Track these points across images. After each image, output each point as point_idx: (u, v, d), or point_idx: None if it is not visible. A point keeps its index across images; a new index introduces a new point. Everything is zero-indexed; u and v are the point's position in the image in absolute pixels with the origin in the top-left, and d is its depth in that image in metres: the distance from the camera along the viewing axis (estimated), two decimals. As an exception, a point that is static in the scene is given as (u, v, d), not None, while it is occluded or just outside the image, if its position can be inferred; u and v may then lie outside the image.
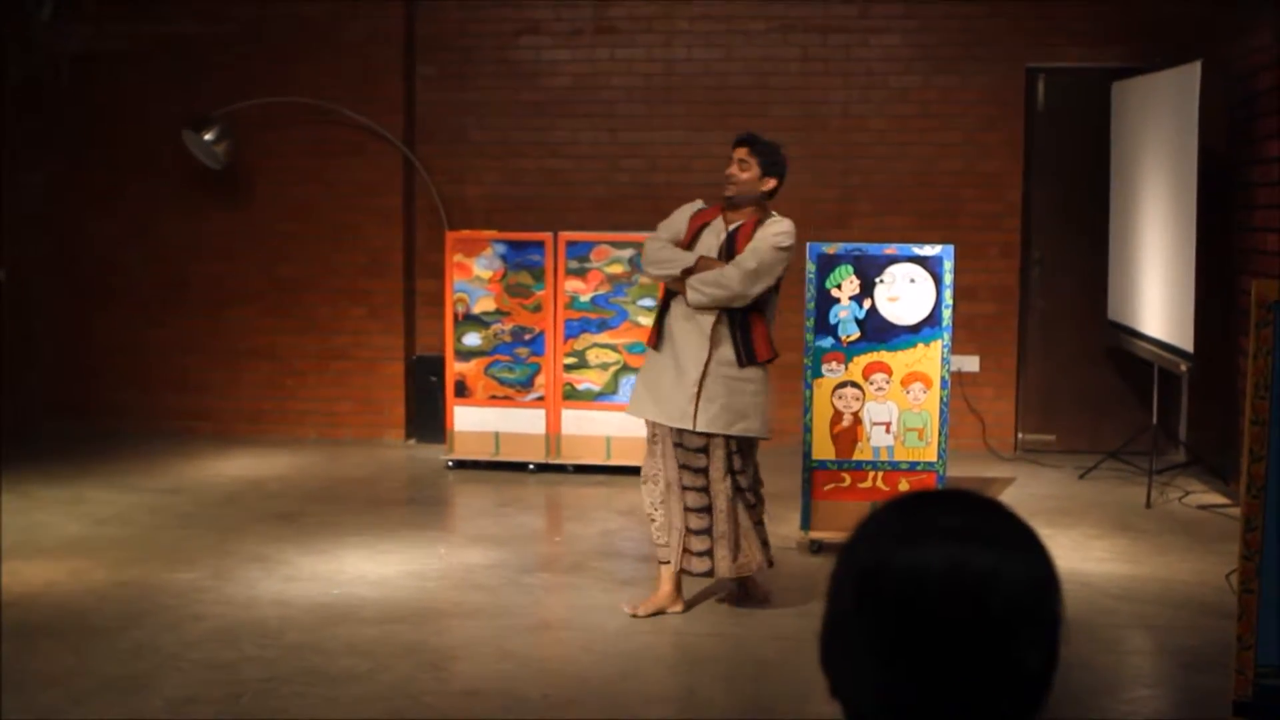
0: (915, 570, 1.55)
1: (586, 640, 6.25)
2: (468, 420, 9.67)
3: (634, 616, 6.45)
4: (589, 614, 6.59)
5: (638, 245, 9.47)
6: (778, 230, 6.42)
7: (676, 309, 6.47)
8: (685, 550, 6.42)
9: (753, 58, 10.49)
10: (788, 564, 7.43)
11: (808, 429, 7.61)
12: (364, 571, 7.24)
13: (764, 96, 10.46)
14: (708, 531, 6.41)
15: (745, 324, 6.41)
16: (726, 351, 6.37)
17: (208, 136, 10.18)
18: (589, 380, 9.49)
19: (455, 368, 9.71)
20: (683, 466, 6.40)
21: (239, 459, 10.05)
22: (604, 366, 9.49)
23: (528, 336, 9.59)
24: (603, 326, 9.47)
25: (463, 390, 9.70)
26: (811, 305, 7.55)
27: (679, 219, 6.64)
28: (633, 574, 7.27)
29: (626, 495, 8.81)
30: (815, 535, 7.62)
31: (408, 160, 10.61)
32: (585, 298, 9.43)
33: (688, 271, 6.37)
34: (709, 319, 6.37)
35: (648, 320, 9.39)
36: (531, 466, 9.59)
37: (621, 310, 9.47)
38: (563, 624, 6.54)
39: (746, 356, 6.39)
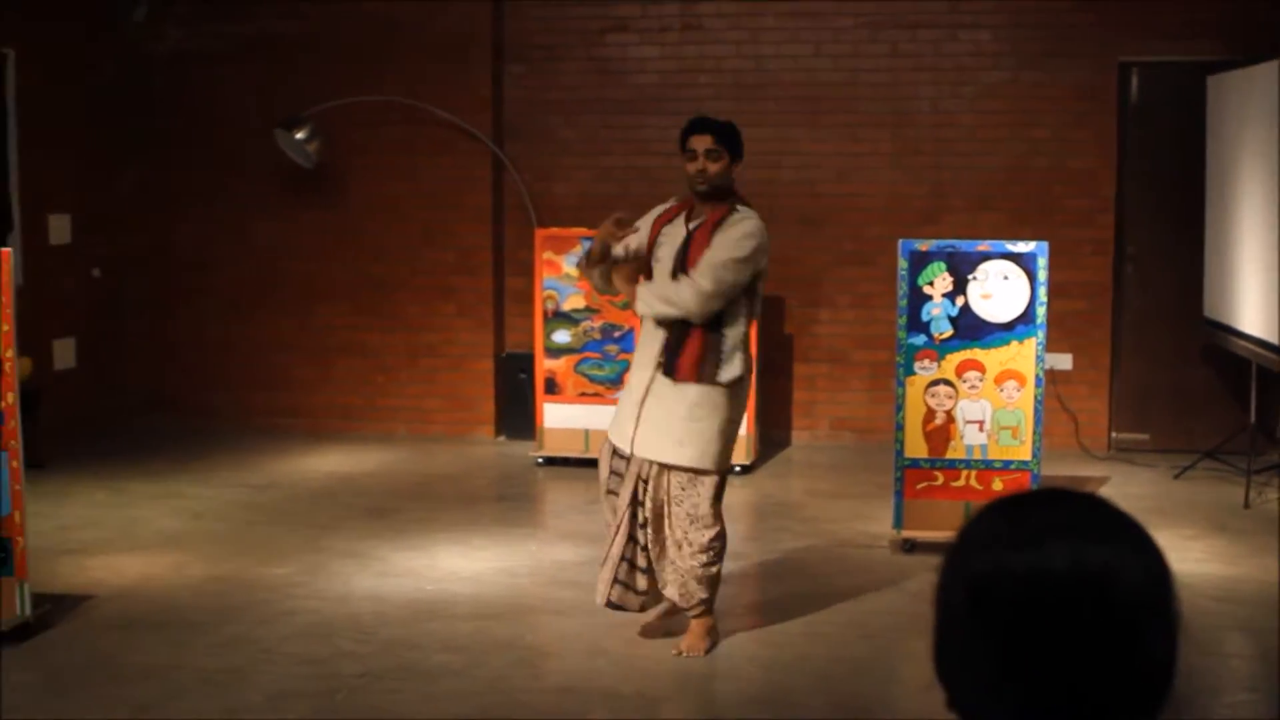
0: (1036, 572, 1.53)
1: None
2: (557, 417, 9.69)
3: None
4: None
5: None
6: (737, 236, 5.79)
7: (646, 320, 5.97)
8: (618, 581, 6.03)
9: (841, 54, 10.43)
10: (879, 563, 7.40)
11: (900, 427, 7.55)
12: (456, 568, 7.27)
13: (852, 93, 10.40)
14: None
15: (682, 335, 5.81)
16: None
17: (299, 135, 10.25)
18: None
19: (545, 365, 9.73)
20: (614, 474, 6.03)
21: (330, 455, 10.12)
22: (693, 364, 9.45)
23: (617, 334, 9.60)
24: (692, 324, 9.44)
25: (552, 387, 9.72)
26: (904, 303, 7.49)
27: (642, 224, 6.05)
28: (724, 571, 7.24)
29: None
30: (908, 534, 7.56)
31: (497, 158, 10.65)
32: (674, 295, 9.40)
33: (589, 259, 5.91)
34: (661, 331, 5.86)
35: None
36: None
37: (711, 307, 9.43)
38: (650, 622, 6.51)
39: (668, 369, 5.84)
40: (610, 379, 9.59)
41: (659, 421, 5.82)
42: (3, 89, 9.75)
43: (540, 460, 9.72)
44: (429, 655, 5.95)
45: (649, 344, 5.92)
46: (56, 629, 6.24)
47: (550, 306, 9.71)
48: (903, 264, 7.49)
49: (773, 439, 10.38)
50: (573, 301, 9.66)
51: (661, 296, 5.78)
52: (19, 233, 9.83)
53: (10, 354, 6.05)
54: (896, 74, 10.38)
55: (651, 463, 5.84)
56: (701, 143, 5.89)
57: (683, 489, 5.82)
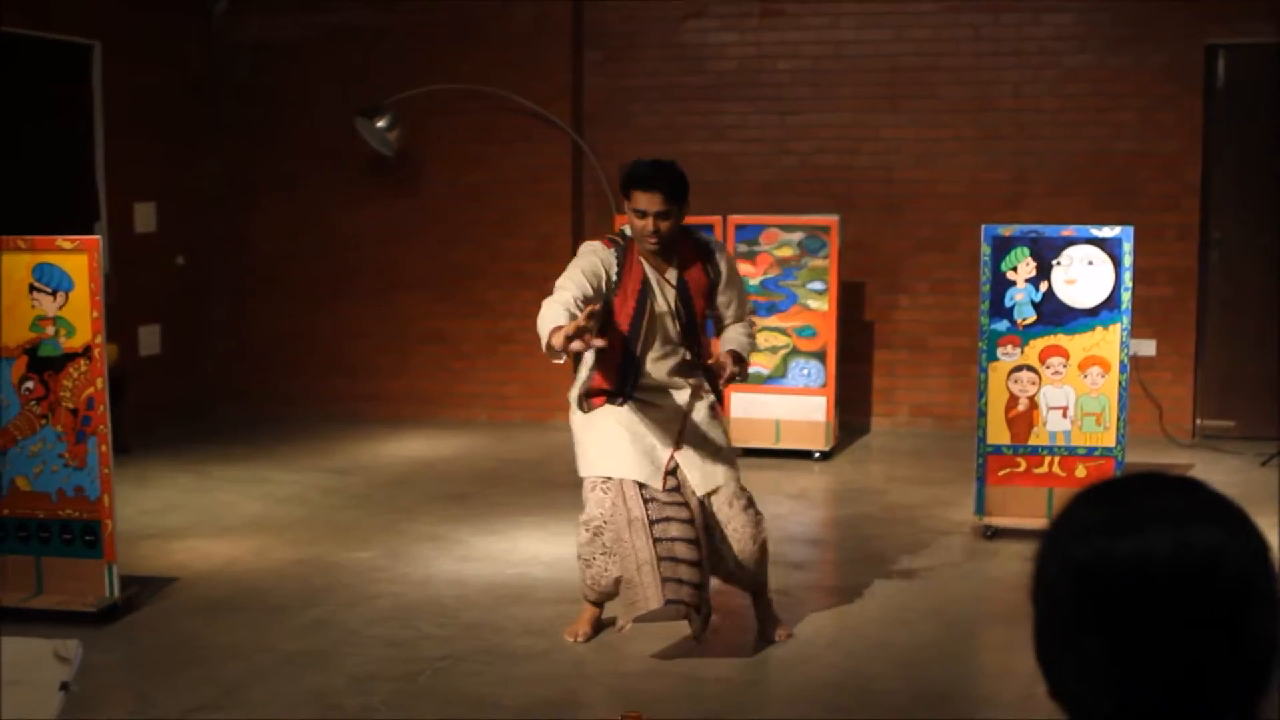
0: (1140, 557, 1.51)
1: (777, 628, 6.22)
2: (636, 404, 9.68)
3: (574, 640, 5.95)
4: (761, 597, 6.56)
5: (807, 228, 9.44)
6: (731, 265, 5.91)
7: (656, 364, 5.73)
8: (668, 579, 5.44)
9: (922, 38, 10.36)
10: (960, 550, 7.35)
11: (982, 413, 7.49)
12: (537, 552, 7.30)
13: (933, 78, 10.33)
14: (698, 563, 5.57)
15: (706, 367, 5.88)
16: (706, 401, 5.84)
17: (380, 124, 10.32)
18: (758, 364, 9.39)
19: (623, 351, 9.72)
20: (650, 500, 5.58)
21: (410, 441, 10.19)
22: (773, 350, 9.44)
23: (695, 320, 9.57)
24: (772, 310, 9.42)
25: (631, 374, 9.70)
26: (987, 288, 7.43)
27: (586, 278, 5.54)
28: (804, 557, 7.24)
29: (796, 479, 8.78)
30: (989, 521, 7.50)
31: (576, 145, 10.66)
32: (754, 281, 9.38)
33: (554, 352, 5.09)
34: (676, 379, 5.78)
35: (818, 304, 9.35)
36: (699, 450, 9.56)
37: (791, 294, 9.42)
38: (737, 608, 6.49)
39: (718, 395, 5.96)
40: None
41: (708, 450, 5.76)
42: (90, 79, 9.87)
43: (619, 446, 9.72)
44: (511, 639, 5.97)
45: (662, 395, 5.74)
46: (143, 610, 6.33)
47: (629, 293, 9.69)
48: (985, 249, 7.43)
49: (852, 425, 10.34)
50: (652, 288, 9.64)
51: (750, 350, 5.98)
52: (106, 221, 9.95)
53: (99, 340, 6.13)
54: (978, 58, 10.29)
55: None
56: (651, 204, 5.56)
57: (741, 494, 5.83)
